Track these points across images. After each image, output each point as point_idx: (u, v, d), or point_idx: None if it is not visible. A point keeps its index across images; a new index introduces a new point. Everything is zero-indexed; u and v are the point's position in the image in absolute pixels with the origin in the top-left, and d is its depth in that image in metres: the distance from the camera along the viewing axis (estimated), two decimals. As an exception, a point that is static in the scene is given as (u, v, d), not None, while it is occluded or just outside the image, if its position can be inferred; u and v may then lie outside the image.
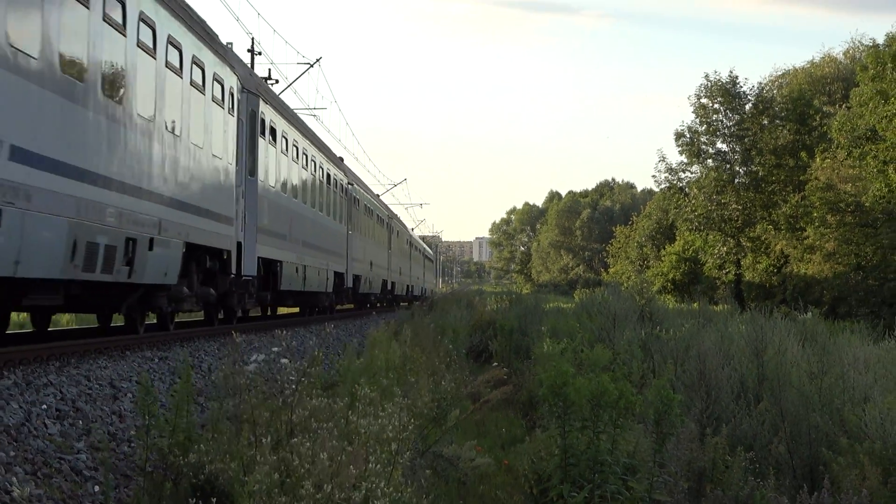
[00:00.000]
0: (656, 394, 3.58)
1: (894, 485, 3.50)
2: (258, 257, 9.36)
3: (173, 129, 6.70)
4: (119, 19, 5.57)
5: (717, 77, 25.61)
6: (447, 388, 4.32)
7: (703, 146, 26.16)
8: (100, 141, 5.36)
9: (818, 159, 22.66)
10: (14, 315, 8.67)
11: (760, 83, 26.28)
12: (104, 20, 5.32)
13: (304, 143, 12.18)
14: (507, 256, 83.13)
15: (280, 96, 14.35)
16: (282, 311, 14.79)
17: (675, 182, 26.77)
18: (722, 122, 25.94)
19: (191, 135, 7.17)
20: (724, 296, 23.25)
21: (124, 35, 5.62)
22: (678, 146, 26.46)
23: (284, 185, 10.86)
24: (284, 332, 3.57)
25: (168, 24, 6.45)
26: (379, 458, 2.87)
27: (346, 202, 15.98)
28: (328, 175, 14.17)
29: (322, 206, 13.53)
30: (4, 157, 4.25)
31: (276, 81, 18.20)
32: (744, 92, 25.60)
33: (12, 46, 4.27)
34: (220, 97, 8.07)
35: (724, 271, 26.74)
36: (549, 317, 10.15)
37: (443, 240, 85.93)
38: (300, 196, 11.86)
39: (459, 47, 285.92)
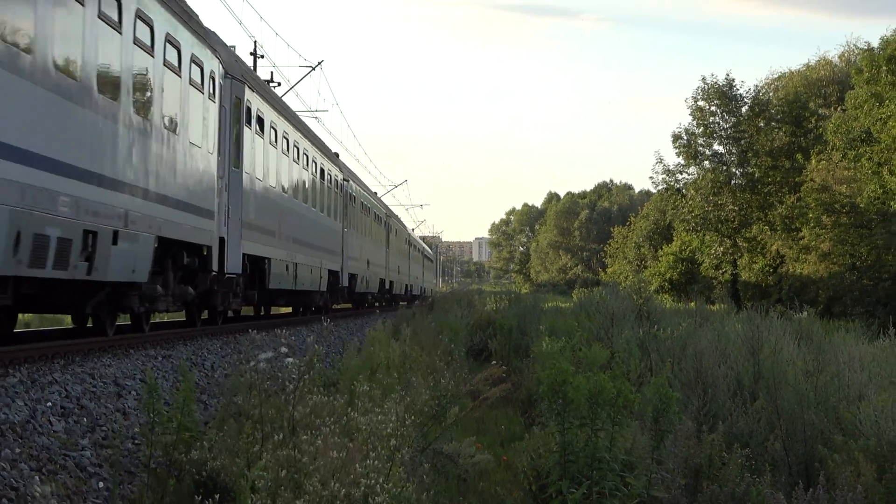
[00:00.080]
0: (655, 392, 3.63)
1: (889, 481, 3.54)
2: (243, 254, 8.64)
3: (142, 111, 5.95)
4: (76, -10, 4.85)
5: (714, 80, 25.87)
6: (447, 386, 4.36)
7: (700, 148, 26.31)
8: (49, 121, 4.63)
9: (814, 161, 22.84)
10: (20, 315, 7.86)
11: (757, 86, 26.83)
12: None
13: (295, 136, 11.43)
14: (507, 256, 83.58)
15: (283, 98, 13.91)
16: (276, 310, 14.41)
17: (672, 183, 26.92)
18: (719, 124, 26.11)
19: (164, 119, 6.40)
20: (720, 295, 23.44)
21: (83, 5, 4.95)
22: (675, 148, 26.65)
23: (273, 178, 10.09)
24: (285, 330, 3.59)
25: (136, -2, 5.72)
26: (379, 455, 2.90)
27: (342, 199, 15.32)
28: (322, 170, 13.45)
29: (315, 202, 12.83)
30: None
31: (279, 84, 18.23)
32: (740, 94, 25.83)
33: None
34: (198, 81, 7.25)
35: (720, 271, 26.86)
36: (547, 316, 10.21)
37: (443, 240, 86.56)
38: (291, 191, 11.13)
39: (460, 50, 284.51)
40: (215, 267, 7.87)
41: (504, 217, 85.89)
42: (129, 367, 5.23)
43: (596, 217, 64.05)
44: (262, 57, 18.53)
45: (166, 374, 5.33)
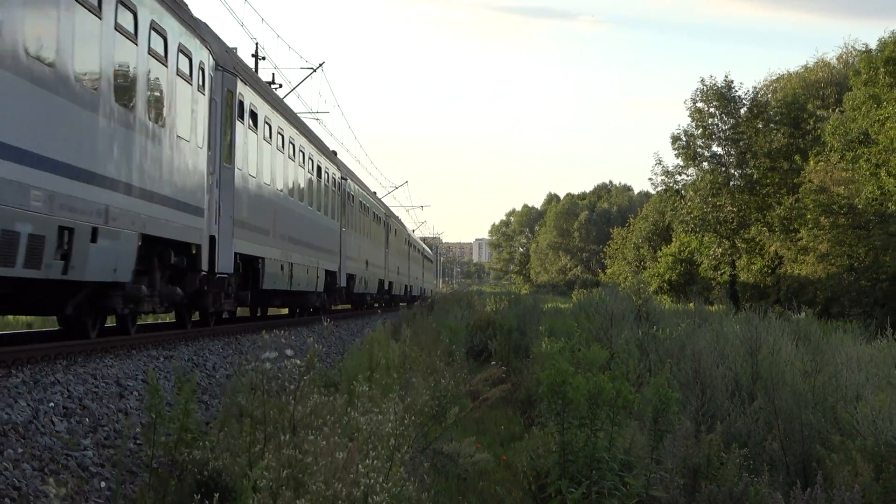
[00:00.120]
0: (655, 392, 3.65)
1: (886, 481, 3.57)
2: (235, 253, 8.24)
3: (124, 101, 5.56)
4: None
5: (713, 81, 25.99)
6: (447, 386, 4.38)
7: (699, 149, 26.39)
8: (20, 109, 4.27)
9: (812, 162, 22.92)
10: (23, 316, 8.02)
11: (755, 87, 26.79)
12: None
13: (290, 132, 11.02)
14: (507, 257, 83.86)
15: (284, 100, 13.64)
16: (274, 312, 14.05)
17: (671, 185, 26.98)
18: (717, 125, 26.18)
19: (148, 111, 6.01)
20: (719, 296, 23.51)
21: None
22: (674, 149, 26.71)
23: (267, 175, 9.66)
24: (284, 331, 3.61)
25: (119, -17, 5.37)
26: (379, 454, 2.92)
27: (339, 197, 14.93)
28: (319, 168, 13.03)
29: (312, 201, 12.42)
30: None
31: (280, 86, 18.22)
32: (739, 96, 25.91)
33: None
34: (186, 72, 6.86)
35: (719, 272, 26.92)
36: (547, 317, 10.25)
37: (443, 241, 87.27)
38: (286, 188, 10.70)
39: (460, 52, 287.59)
40: (205, 267, 7.48)
41: (504, 218, 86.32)
42: (132, 368, 5.25)
43: (595, 218, 64.25)
44: (264, 59, 18.62)
45: (168, 374, 5.34)
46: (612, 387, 3.56)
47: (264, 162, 9.67)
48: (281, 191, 10.51)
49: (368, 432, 3.13)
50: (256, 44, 22.78)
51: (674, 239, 31.08)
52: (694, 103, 26.19)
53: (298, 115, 13.47)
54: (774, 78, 29.36)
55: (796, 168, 24.26)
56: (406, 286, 26.92)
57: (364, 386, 3.71)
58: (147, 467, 3.27)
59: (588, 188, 73.19)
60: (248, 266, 9.19)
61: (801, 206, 21.95)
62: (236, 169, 8.43)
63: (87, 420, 3.85)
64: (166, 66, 6.45)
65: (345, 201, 15.45)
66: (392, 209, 26.51)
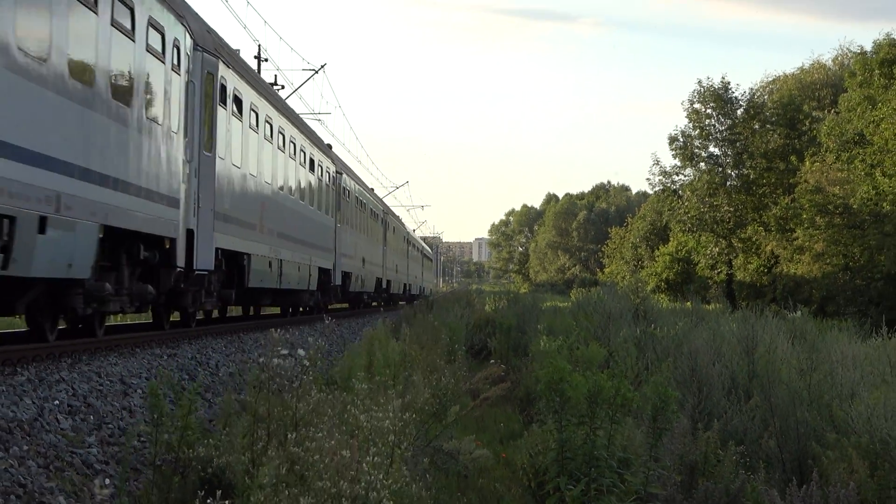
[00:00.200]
0: (654, 391, 3.69)
1: (881, 478, 3.61)
2: (217, 248, 7.53)
3: (79, 76, 4.84)
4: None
5: (710, 83, 26.13)
6: (447, 385, 4.41)
7: (696, 150, 26.56)
8: None
9: (807, 163, 23.04)
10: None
11: (752, 89, 27.08)
12: None
13: (280, 122, 10.20)
14: (506, 257, 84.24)
15: (287, 101, 12.63)
16: (267, 311, 13.33)
17: (668, 185, 27.15)
18: (714, 126, 26.33)
19: (111, 88, 5.27)
20: (716, 295, 23.64)
21: None
22: (672, 150, 26.88)
23: (253, 166, 8.90)
24: (285, 330, 3.64)
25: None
26: (379, 451, 2.95)
27: (335, 192, 14.17)
28: (312, 161, 12.21)
29: (304, 195, 11.63)
30: None
31: (282, 87, 18.30)
32: (736, 97, 26.06)
33: None
34: (158, 49, 6.14)
35: (716, 271, 27.06)
36: (546, 315, 10.31)
37: (443, 240, 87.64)
38: (275, 181, 9.87)
39: (461, 54, 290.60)
40: (181, 262, 6.74)
41: (503, 218, 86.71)
42: (135, 366, 5.26)
43: (594, 218, 64.60)
44: (266, 60, 18.53)
45: (171, 373, 5.34)
46: (612, 385, 3.60)
47: (250, 152, 8.90)
48: (269, 183, 9.74)
49: (369, 429, 3.16)
50: (259, 46, 22.75)
51: (671, 238, 31.21)
52: (691, 104, 26.39)
53: (302, 116, 13.11)
54: (771, 79, 29.53)
55: (792, 168, 24.41)
56: (405, 285, 26.52)
57: (363, 384, 3.75)
58: (151, 465, 3.30)
59: (586, 188, 74.03)
60: (233, 263, 8.48)
61: (797, 206, 22.06)
62: (217, 158, 7.62)
63: (92, 418, 3.88)
64: (133, 41, 5.69)
65: (340, 196, 14.79)
66: (393, 209, 26.44)
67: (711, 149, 26.58)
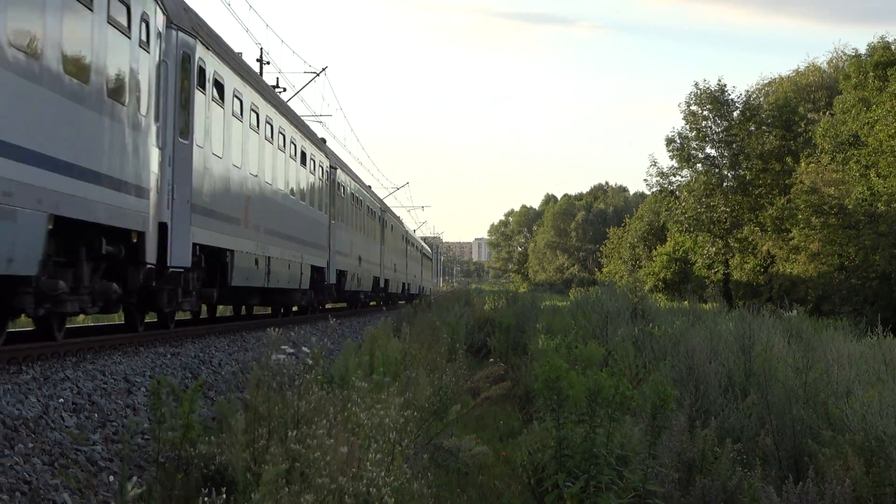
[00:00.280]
0: (653, 389, 3.73)
1: (876, 475, 3.66)
2: (194, 244, 6.85)
3: (22, 45, 4.17)
4: None
5: (707, 85, 26.31)
6: (448, 383, 4.44)
7: (693, 151, 26.77)
8: None
9: (803, 164, 23.18)
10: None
11: (748, 91, 27.15)
12: None
13: (268, 111, 9.45)
14: (505, 256, 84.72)
15: (288, 103, 12.17)
16: (260, 311, 12.65)
17: (666, 186, 27.31)
18: (711, 128, 26.53)
19: (62, 61, 4.57)
20: (713, 294, 23.77)
21: None
22: (669, 151, 27.00)
23: (237, 156, 8.22)
24: (289, 329, 3.67)
25: None
26: (381, 448, 2.98)
27: (329, 188, 13.42)
28: (304, 154, 11.44)
29: (295, 189, 10.88)
30: None
31: (284, 89, 18.11)
32: (732, 99, 26.30)
33: None
34: (123, 22, 5.44)
35: (712, 271, 27.22)
36: (545, 314, 10.34)
37: (443, 241, 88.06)
38: (262, 173, 9.12)
39: (460, 57, 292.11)
40: (151, 259, 6.05)
41: (503, 218, 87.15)
42: (139, 364, 5.28)
43: (592, 218, 65.05)
44: (268, 63, 18.30)
45: (175, 371, 5.39)
46: (612, 384, 3.64)
47: (233, 141, 8.17)
48: (255, 176, 9.00)
49: (370, 427, 3.19)
50: (261, 49, 22.50)
51: (668, 238, 31.38)
52: (688, 106, 26.61)
53: (303, 118, 12.72)
54: (767, 82, 29.70)
55: (788, 169, 24.60)
56: (404, 284, 26.05)
57: (363, 383, 3.77)
58: (154, 462, 3.33)
59: (585, 189, 75.09)
60: (214, 260, 7.75)
61: (793, 206, 22.21)
62: (195, 146, 6.93)
63: (96, 416, 3.90)
64: (91, 10, 4.99)
65: (334, 192, 14.04)
66: (393, 210, 26.16)
67: (708, 150, 26.80)
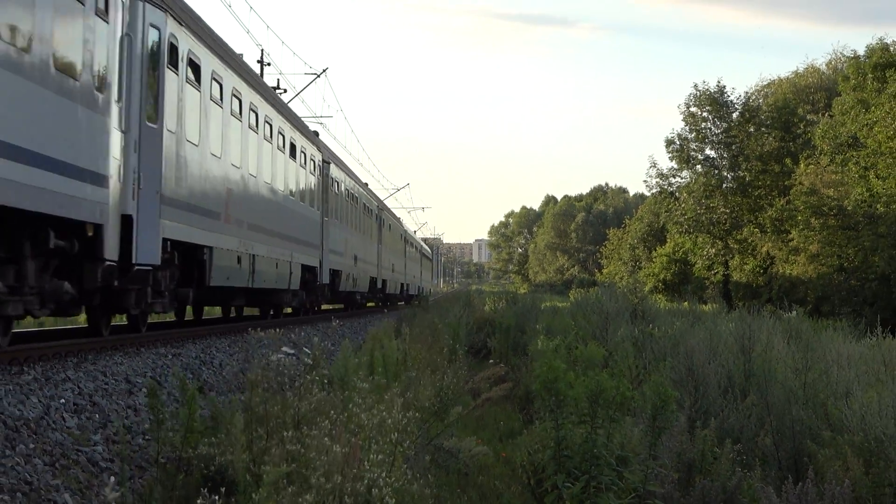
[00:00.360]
0: (654, 390, 3.74)
1: (876, 475, 3.67)
2: (165, 239, 6.16)
3: None
4: None
5: (706, 87, 26.28)
6: (449, 384, 4.45)
7: (693, 153, 26.76)
8: None
9: (802, 165, 23.15)
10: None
11: (747, 92, 27.01)
12: None
13: (252, 98, 8.69)
14: (506, 258, 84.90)
15: (289, 105, 11.75)
16: (250, 312, 11.73)
17: (665, 187, 27.34)
18: (710, 129, 26.52)
19: None
20: (712, 295, 23.79)
21: None
22: (668, 153, 26.99)
23: (216, 145, 7.48)
24: (290, 330, 3.66)
25: None
26: (381, 449, 2.99)
27: (321, 183, 12.62)
28: (293, 146, 10.60)
29: (284, 183, 10.09)
30: None
31: (285, 91, 18.01)
32: (731, 101, 26.25)
33: None
34: None
35: (712, 272, 27.23)
36: (545, 315, 10.35)
37: (444, 242, 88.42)
38: (245, 164, 8.36)
39: (461, 58, 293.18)
40: (112, 255, 5.36)
41: (503, 219, 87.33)
42: (140, 365, 5.29)
43: (592, 219, 65.14)
44: (269, 64, 18.36)
45: (176, 371, 5.38)
46: (613, 385, 3.65)
47: (212, 128, 7.40)
48: (237, 167, 8.21)
49: (370, 427, 3.20)
50: (262, 50, 22.55)
51: (668, 240, 31.39)
52: (688, 108, 26.58)
53: (304, 120, 12.23)
54: (766, 83, 29.64)
55: (787, 171, 24.59)
56: (402, 285, 25.42)
57: (364, 384, 3.78)
58: (155, 462, 3.33)
59: (585, 190, 75.05)
60: (191, 257, 7.02)
61: (792, 207, 22.21)
62: (165, 131, 6.20)
63: (97, 416, 3.90)
64: None
65: (328, 188, 13.13)
66: (394, 210, 26.12)
67: (707, 151, 26.81)
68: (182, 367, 5.50)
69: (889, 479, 3.63)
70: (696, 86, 26.76)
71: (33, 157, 4.44)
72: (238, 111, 8.41)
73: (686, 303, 13.43)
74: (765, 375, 4.56)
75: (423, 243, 37.43)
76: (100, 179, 5.26)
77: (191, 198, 6.92)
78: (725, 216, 25.99)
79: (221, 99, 7.85)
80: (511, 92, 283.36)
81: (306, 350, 3.33)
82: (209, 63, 7.46)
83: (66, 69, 4.75)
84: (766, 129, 25.79)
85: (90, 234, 5.22)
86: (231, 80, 8.14)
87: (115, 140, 5.53)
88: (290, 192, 10.74)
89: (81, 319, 7.99)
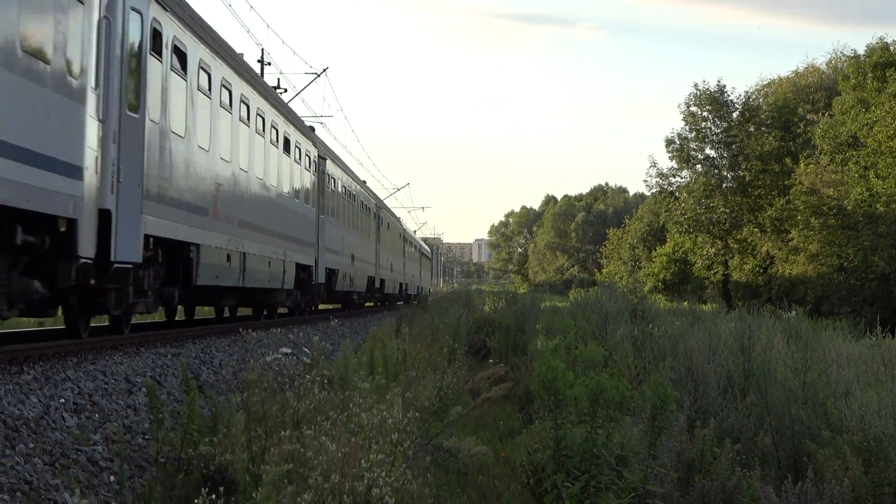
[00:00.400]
0: (653, 390, 3.75)
1: (875, 475, 3.67)
2: (147, 235, 5.85)
3: None
4: None
5: (706, 86, 26.30)
6: (449, 384, 4.45)
7: (693, 152, 26.77)
8: None
9: (802, 165, 23.17)
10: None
11: (747, 92, 27.03)
12: None
13: (243, 89, 8.30)
14: (506, 257, 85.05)
15: (290, 105, 11.43)
16: (243, 312, 11.23)
17: (665, 186, 27.34)
18: (710, 129, 26.53)
19: None
20: (712, 295, 23.85)
21: None
22: (668, 152, 26.98)
23: (204, 138, 7.15)
24: (290, 330, 3.67)
25: None
26: (381, 449, 2.99)
27: (317, 179, 12.18)
28: (287, 140, 10.21)
29: (277, 179, 9.71)
30: None
31: (285, 90, 17.99)
32: (731, 100, 26.26)
33: None
34: None
35: (712, 272, 27.25)
36: (544, 315, 10.33)
37: (444, 241, 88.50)
38: (235, 158, 8.04)
39: (461, 58, 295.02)
40: (88, 252, 5.00)
41: (503, 219, 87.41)
42: (140, 365, 5.29)
43: (592, 219, 65.26)
44: (269, 64, 18.25)
45: (175, 371, 5.39)
46: (613, 385, 3.65)
47: (199, 120, 7.02)
48: (227, 161, 7.81)
49: (371, 427, 3.20)
50: (262, 49, 22.23)
51: (668, 239, 31.41)
52: (688, 107, 26.57)
53: (304, 120, 11.79)
54: (766, 83, 29.62)
55: (787, 170, 24.60)
56: (401, 284, 24.98)
57: (365, 383, 3.78)
58: (155, 462, 3.34)
59: (585, 190, 75.24)
60: (176, 255, 6.66)
61: (792, 207, 22.21)
62: (148, 121, 5.86)
63: (97, 416, 3.90)
64: None
65: (323, 184, 12.71)
66: (394, 210, 25.88)
67: (707, 151, 26.82)
68: (181, 367, 5.48)
69: (888, 478, 3.63)
70: (696, 85, 26.93)
71: (9, 149, 4.17)
72: (228, 103, 8.01)
73: (686, 302, 13.45)
74: (764, 375, 4.57)
75: (422, 242, 37.16)
76: (74, 171, 4.86)
77: (176, 192, 6.55)
78: (725, 216, 25.97)
79: (210, 90, 7.43)
80: (511, 92, 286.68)
81: (305, 350, 3.33)
82: (196, 51, 7.02)
83: (35, 52, 4.40)
84: (766, 129, 25.78)
85: (63, 229, 4.87)
86: (220, 71, 7.72)
87: (92, 129, 5.11)
88: (284, 188, 10.38)
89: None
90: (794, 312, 7.53)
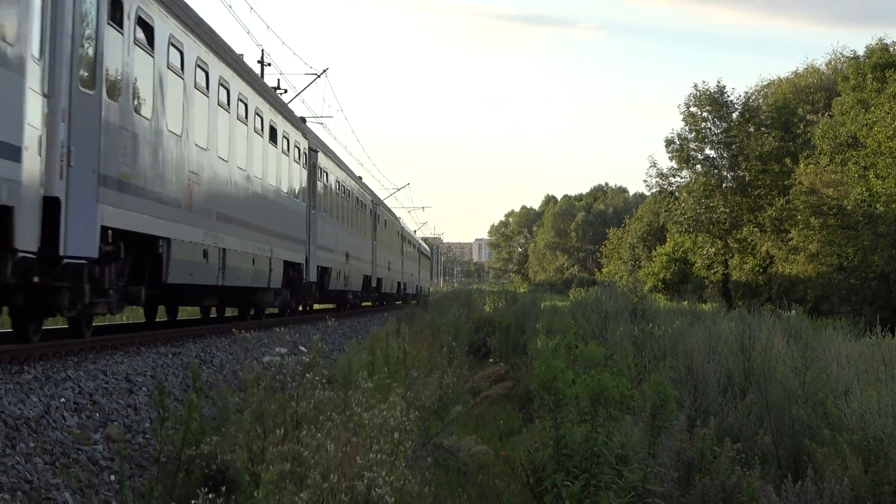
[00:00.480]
0: (653, 389, 3.75)
1: (875, 474, 3.68)
2: (105, 227, 5.16)
3: None
4: None
5: (706, 87, 26.34)
6: (449, 383, 4.46)
7: (693, 152, 26.83)
8: None
9: (802, 165, 23.21)
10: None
11: (747, 92, 27.07)
12: None
13: (222, 71, 7.51)
14: (506, 257, 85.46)
15: (289, 105, 11.12)
16: (231, 312, 10.65)
17: (665, 186, 27.41)
18: (710, 129, 26.59)
19: None
20: (712, 294, 23.90)
21: None
22: (668, 152, 27.04)
23: (175, 121, 6.40)
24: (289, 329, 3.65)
25: None
26: (382, 448, 3.00)
27: (307, 173, 11.38)
28: (273, 129, 9.40)
29: (261, 171, 8.95)
30: None
31: (285, 91, 17.94)
32: (731, 101, 26.31)
33: None
34: None
35: (712, 271, 27.29)
36: (545, 314, 10.35)
37: (444, 241, 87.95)
38: (213, 146, 7.24)
39: (461, 58, 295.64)
40: (27, 244, 4.30)
41: (503, 219, 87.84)
42: (140, 364, 5.30)
43: (592, 219, 65.44)
44: (269, 65, 18.33)
45: (176, 370, 5.40)
46: (614, 384, 3.66)
47: (168, 102, 6.24)
48: (203, 148, 7.03)
49: (371, 427, 3.21)
50: (262, 50, 22.46)
51: (668, 239, 31.49)
52: (687, 108, 26.64)
53: (303, 119, 11.46)
54: (766, 83, 29.74)
55: (787, 170, 24.63)
56: (399, 283, 24.38)
57: (368, 383, 3.79)
58: (155, 461, 3.34)
59: (585, 190, 75.54)
60: (143, 250, 5.95)
61: (792, 207, 22.25)
62: (105, 99, 5.15)
63: (98, 415, 3.91)
64: None
65: (315, 178, 11.85)
66: (394, 210, 25.65)
67: (707, 151, 26.88)
68: (182, 367, 5.50)
69: (888, 477, 3.64)
70: (695, 86, 26.88)
71: None
72: (205, 86, 7.14)
73: (686, 302, 13.46)
74: (764, 374, 4.57)
75: (421, 241, 36.75)
76: (7, 151, 4.06)
77: (141, 180, 5.76)
78: (725, 216, 26.02)
79: (183, 69, 6.59)
80: (512, 92, 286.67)
81: (303, 349, 3.33)
82: (165, 25, 6.19)
83: None
84: (765, 129, 25.82)
85: None
86: (195, 50, 6.86)
87: (34, 105, 4.30)
88: (270, 180, 9.48)
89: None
90: (793, 312, 7.54)
